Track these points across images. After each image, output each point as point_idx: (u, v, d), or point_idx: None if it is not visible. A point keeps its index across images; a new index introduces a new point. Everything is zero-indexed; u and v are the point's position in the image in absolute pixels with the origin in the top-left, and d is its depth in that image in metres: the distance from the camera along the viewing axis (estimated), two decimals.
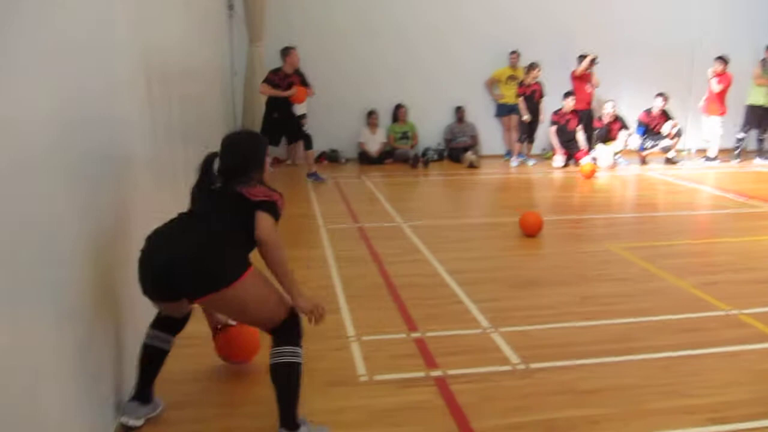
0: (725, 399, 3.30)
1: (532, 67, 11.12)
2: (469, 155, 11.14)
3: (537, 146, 11.94)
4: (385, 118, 11.70)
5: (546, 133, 11.44)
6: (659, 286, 4.99)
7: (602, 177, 10.32)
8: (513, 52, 11.70)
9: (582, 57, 11.26)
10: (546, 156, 11.91)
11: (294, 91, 9.15)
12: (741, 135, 11.91)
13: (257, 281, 2.85)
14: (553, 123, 11.15)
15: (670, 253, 5.91)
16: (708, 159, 11.74)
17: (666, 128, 11.37)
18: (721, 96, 11.50)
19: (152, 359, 3.07)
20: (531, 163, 11.35)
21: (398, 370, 3.60)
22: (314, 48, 10.89)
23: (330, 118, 11.40)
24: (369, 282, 5.07)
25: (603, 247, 6.11)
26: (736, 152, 11.90)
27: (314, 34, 11.10)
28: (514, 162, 11.30)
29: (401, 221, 7.07)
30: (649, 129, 11.52)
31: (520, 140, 11.41)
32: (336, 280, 5.07)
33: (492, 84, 12.00)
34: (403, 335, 4.08)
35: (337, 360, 3.72)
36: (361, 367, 3.63)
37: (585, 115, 11.41)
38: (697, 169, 11.05)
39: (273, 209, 2.88)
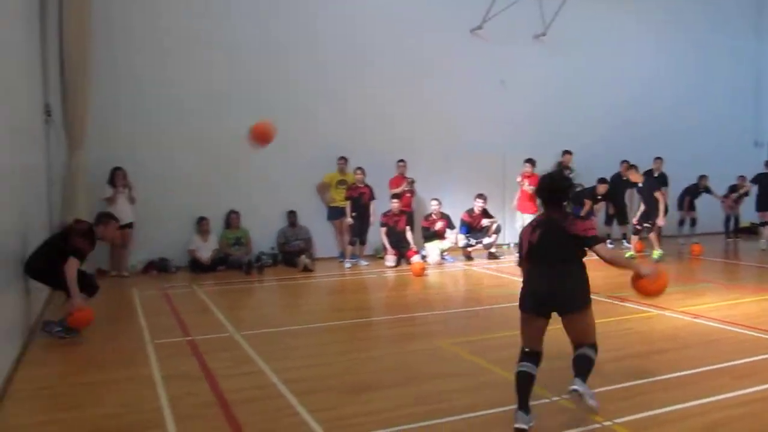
0: None
1: (357, 171, 11.67)
2: (304, 259, 11.19)
3: (369, 247, 12.31)
4: (216, 224, 11.50)
5: (377, 233, 11.85)
6: (490, 380, 5.18)
7: (432, 274, 10.78)
8: (341, 158, 12.16)
9: (400, 161, 12.05)
10: (378, 256, 12.27)
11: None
12: None
13: None
14: (383, 224, 11.60)
15: (499, 346, 6.19)
16: None
17: (486, 225, 12.29)
18: (532, 195, 12.64)
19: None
20: (364, 264, 11.61)
21: None
22: (142, 153, 10.65)
23: (158, 225, 11.03)
24: (200, 401, 4.78)
25: (435, 344, 6.28)
26: None
27: (142, 141, 10.89)
28: (348, 264, 11.50)
29: (234, 331, 6.84)
30: (472, 227, 12.33)
31: (352, 242, 11.69)
32: (164, 401, 4.72)
33: (323, 188, 12.31)
34: None
35: None
36: None
37: (409, 216, 12.09)
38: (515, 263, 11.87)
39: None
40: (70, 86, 9.74)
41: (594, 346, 4.36)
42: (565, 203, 4.48)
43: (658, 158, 14.50)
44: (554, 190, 4.43)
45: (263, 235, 11.87)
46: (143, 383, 5.14)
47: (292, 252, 11.65)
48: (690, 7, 16.93)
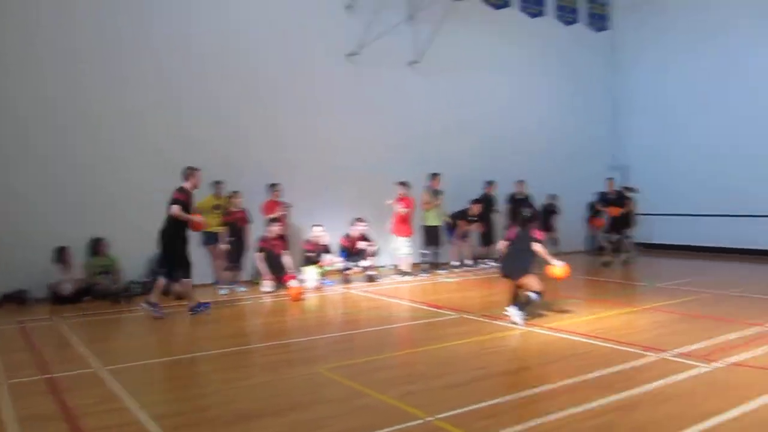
0: None
1: (233, 195, 11.43)
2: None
3: (245, 272, 12.06)
4: (81, 253, 10.83)
5: (254, 258, 11.63)
6: (365, 403, 5.19)
7: (310, 298, 10.71)
8: (217, 182, 11.87)
9: (272, 185, 12.05)
10: (255, 282, 12.03)
11: None
12: (424, 251, 13.47)
13: None
14: (260, 249, 11.40)
15: (374, 368, 6.24)
16: (402, 274, 12.94)
17: (364, 249, 12.39)
18: (405, 218, 12.92)
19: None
20: (240, 290, 11.34)
21: None
22: None
23: (15, 254, 10.28)
24: None
25: (313, 369, 6.22)
26: (424, 267, 13.36)
27: None
28: (223, 290, 11.18)
29: (99, 365, 6.44)
30: (350, 251, 12.39)
31: (229, 268, 11.39)
32: None
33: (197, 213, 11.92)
34: None
35: None
36: None
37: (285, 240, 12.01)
38: (394, 285, 12.09)
39: None
40: None
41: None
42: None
43: (521, 181, 15.38)
44: None
45: (133, 263, 11.31)
46: None
47: None
48: (553, 39, 18.13)
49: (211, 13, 12.58)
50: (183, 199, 8.96)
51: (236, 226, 11.41)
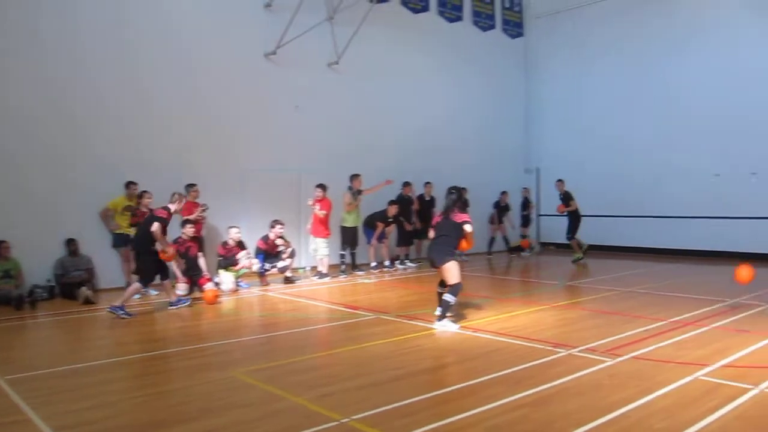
0: None
1: (142, 195, 11.05)
2: (85, 290, 10.34)
3: None
4: None
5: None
6: (281, 407, 5.13)
7: (226, 301, 10.51)
8: (130, 183, 11.49)
9: (188, 186, 11.80)
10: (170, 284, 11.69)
11: None
12: (342, 252, 13.50)
13: None
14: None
15: (291, 371, 6.19)
16: (320, 276, 12.90)
17: (281, 251, 12.27)
18: (324, 220, 12.88)
19: None
20: (153, 293, 11.00)
21: None
22: None
23: None
24: None
25: (228, 373, 6.11)
26: (342, 268, 13.37)
27: None
28: (136, 294, 10.79)
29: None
30: (268, 253, 12.24)
31: (135, 272, 10.98)
32: None
33: (107, 214, 11.49)
34: None
35: None
36: None
37: (200, 242, 11.74)
38: (312, 286, 12.03)
39: None
40: None
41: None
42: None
43: (428, 183, 15.89)
44: None
45: (37, 266, 10.79)
46: None
47: (71, 283, 10.71)
48: (470, 44, 18.54)
49: (117, 8, 12.11)
50: (165, 217, 9.55)
51: None
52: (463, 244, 8.28)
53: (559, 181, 16.07)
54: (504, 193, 17.71)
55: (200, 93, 12.88)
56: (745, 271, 9.04)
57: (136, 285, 9.52)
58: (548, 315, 9.00)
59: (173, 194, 9.96)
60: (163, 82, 12.42)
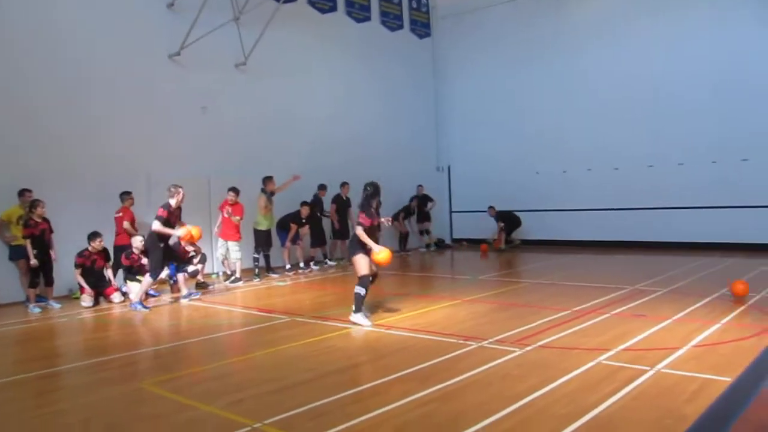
0: None
1: (34, 204, 10.38)
2: None
3: (63, 287, 11.20)
4: None
5: (72, 272, 10.78)
6: (190, 416, 5.00)
7: (134, 311, 10.15)
8: (25, 190, 10.90)
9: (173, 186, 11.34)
10: (74, 297, 11.21)
11: None
12: (256, 255, 13.33)
13: None
14: (78, 265, 10.58)
15: (202, 379, 6.05)
16: (233, 280, 12.68)
17: (191, 256, 11.96)
18: (236, 224, 12.66)
19: None
20: (56, 306, 10.49)
21: None
22: None
23: None
24: None
25: (135, 386, 5.90)
26: (256, 272, 13.19)
27: None
28: (35, 309, 10.25)
29: None
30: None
31: (32, 285, 10.43)
32: None
33: (1, 225, 10.86)
34: None
35: None
36: None
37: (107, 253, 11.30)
38: (225, 291, 11.80)
39: None
40: None
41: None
42: None
43: (345, 183, 15.79)
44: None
45: None
46: None
47: None
48: (379, 44, 18.68)
49: (22, 6, 11.46)
50: (164, 215, 10.13)
51: (42, 238, 10.37)
52: (378, 258, 8.18)
53: (491, 207, 16.98)
54: (420, 186, 18.65)
55: (101, 96, 12.35)
56: (741, 285, 9.20)
57: (148, 280, 10.30)
58: (459, 309, 9.18)
59: (168, 188, 10.38)
60: (64, 87, 11.82)
